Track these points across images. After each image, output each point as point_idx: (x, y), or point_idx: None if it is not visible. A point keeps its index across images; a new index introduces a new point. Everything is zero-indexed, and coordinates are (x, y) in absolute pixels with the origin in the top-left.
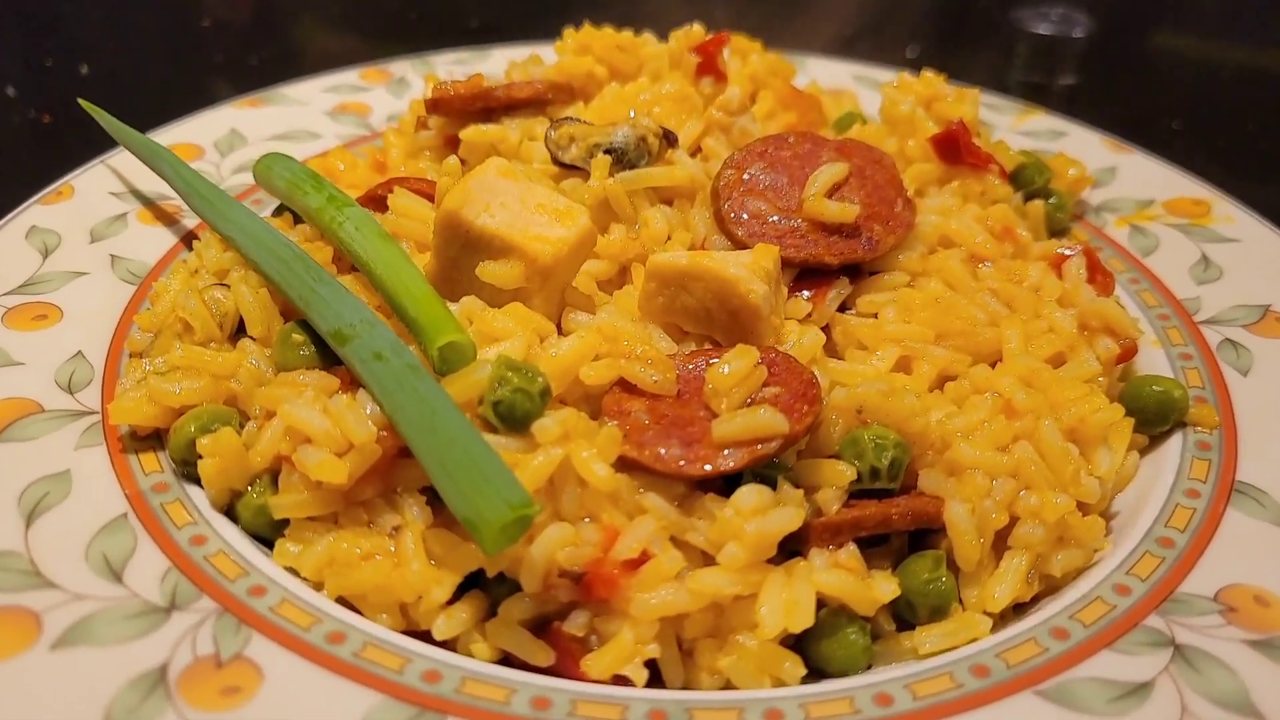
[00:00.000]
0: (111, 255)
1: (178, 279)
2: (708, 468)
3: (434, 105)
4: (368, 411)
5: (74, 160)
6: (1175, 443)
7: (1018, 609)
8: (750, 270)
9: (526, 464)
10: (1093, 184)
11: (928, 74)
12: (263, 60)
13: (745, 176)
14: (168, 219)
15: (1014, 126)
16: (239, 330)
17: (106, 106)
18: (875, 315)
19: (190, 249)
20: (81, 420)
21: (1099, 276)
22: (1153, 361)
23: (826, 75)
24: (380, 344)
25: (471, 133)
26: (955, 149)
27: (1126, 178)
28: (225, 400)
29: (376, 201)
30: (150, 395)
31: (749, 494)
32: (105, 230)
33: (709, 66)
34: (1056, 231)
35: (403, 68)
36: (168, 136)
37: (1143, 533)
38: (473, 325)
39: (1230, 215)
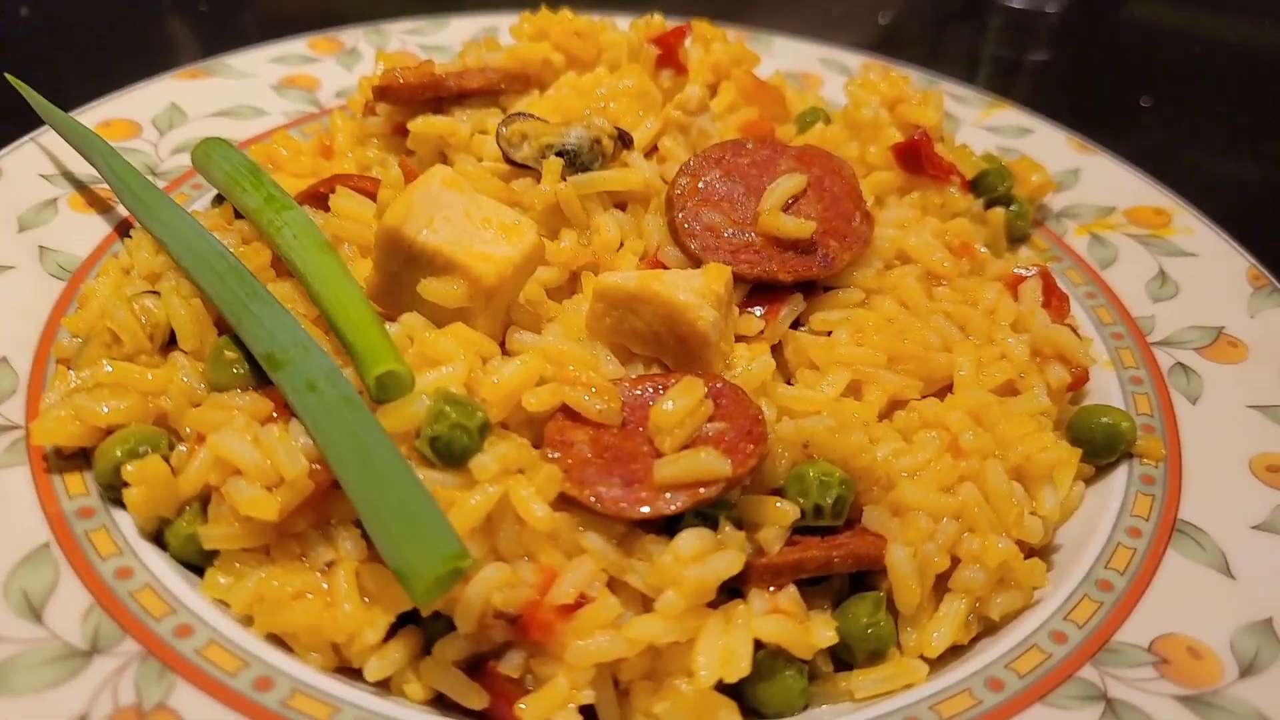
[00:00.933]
0: (40, 247)
1: (107, 281)
2: (646, 510)
3: (382, 93)
4: (300, 444)
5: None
6: (1121, 475)
7: (955, 649)
8: (700, 295)
9: (463, 502)
10: (1055, 189)
11: (893, 73)
12: (213, 6)
13: (700, 185)
14: (101, 205)
15: (979, 121)
16: (171, 340)
17: (47, 52)
18: (828, 334)
19: (124, 240)
20: (4, 436)
21: (1054, 300)
22: (1104, 385)
23: (792, 58)
24: (314, 372)
25: (420, 124)
26: (917, 159)
27: (1089, 182)
28: (155, 418)
29: (318, 199)
30: (76, 414)
31: (689, 539)
32: (34, 218)
33: (669, 58)
34: (1017, 239)
35: (354, 36)
36: (105, 111)
37: (1082, 574)
38: (413, 345)
39: (1190, 226)
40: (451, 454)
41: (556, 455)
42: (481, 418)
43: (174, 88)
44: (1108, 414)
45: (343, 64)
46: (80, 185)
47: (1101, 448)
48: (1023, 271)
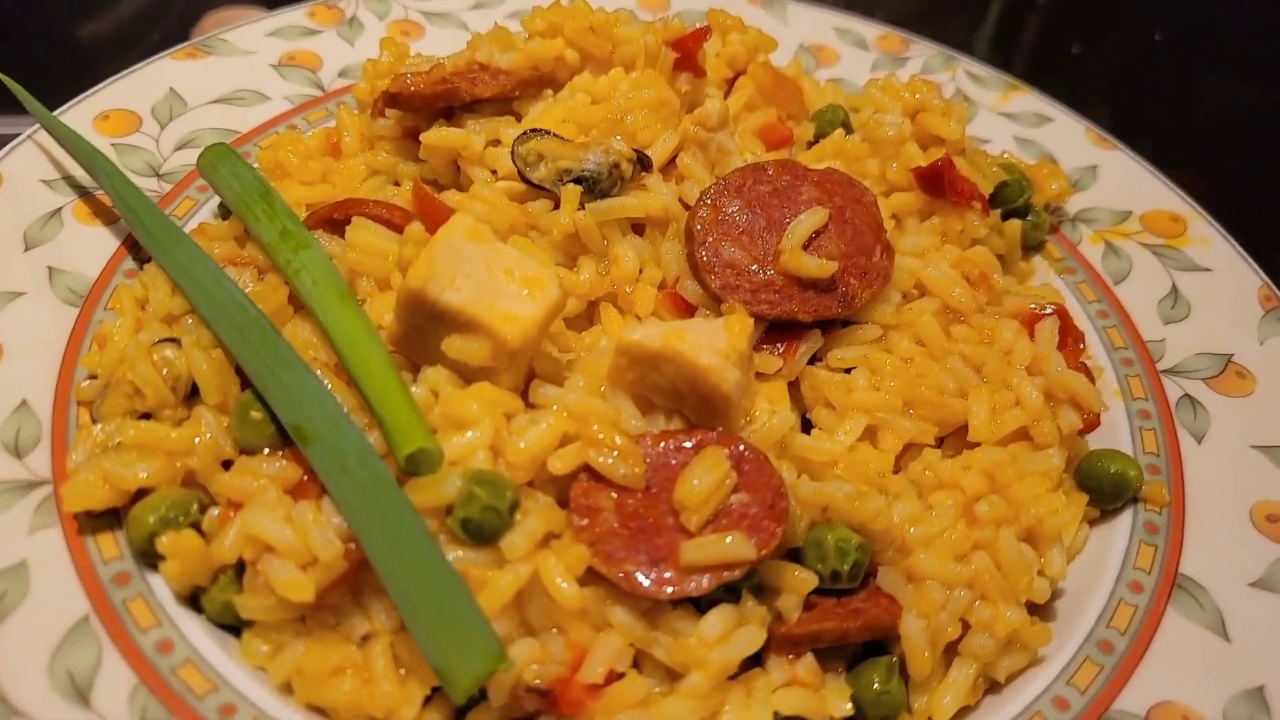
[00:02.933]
0: (49, 268)
1: (125, 324)
2: (671, 590)
3: (392, 100)
4: (334, 522)
5: None
6: (1125, 522)
7: (962, 709)
8: (724, 356)
9: (495, 582)
10: (1072, 194)
11: (916, 79)
12: None
13: (721, 217)
14: (107, 214)
15: (997, 105)
16: (195, 389)
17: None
18: (846, 370)
19: (134, 258)
20: (33, 494)
21: (1070, 340)
22: (1112, 418)
23: (808, 27)
24: (345, 450)
25: (433, 136)
26: (940, 184)
27: (1107, 181)
28: (184, 477)
29: (333, 225)
30: (104, 478)
31: (714, 622)
32: (40, 234)
33: (688, 62)
34: (1031, 246)
35: (353, 4)
36: (102, 100)
37: (1085, 632)
38: (438, 405)
39: (1205, 237)
40: (483, 535)
41: (584, 523)
42: (511, 497)
43: (171, 70)
44: (1116, 462)
45: (344, 36)
46: (84, 191)
47: (1109, 495)
48: (1039, 308)
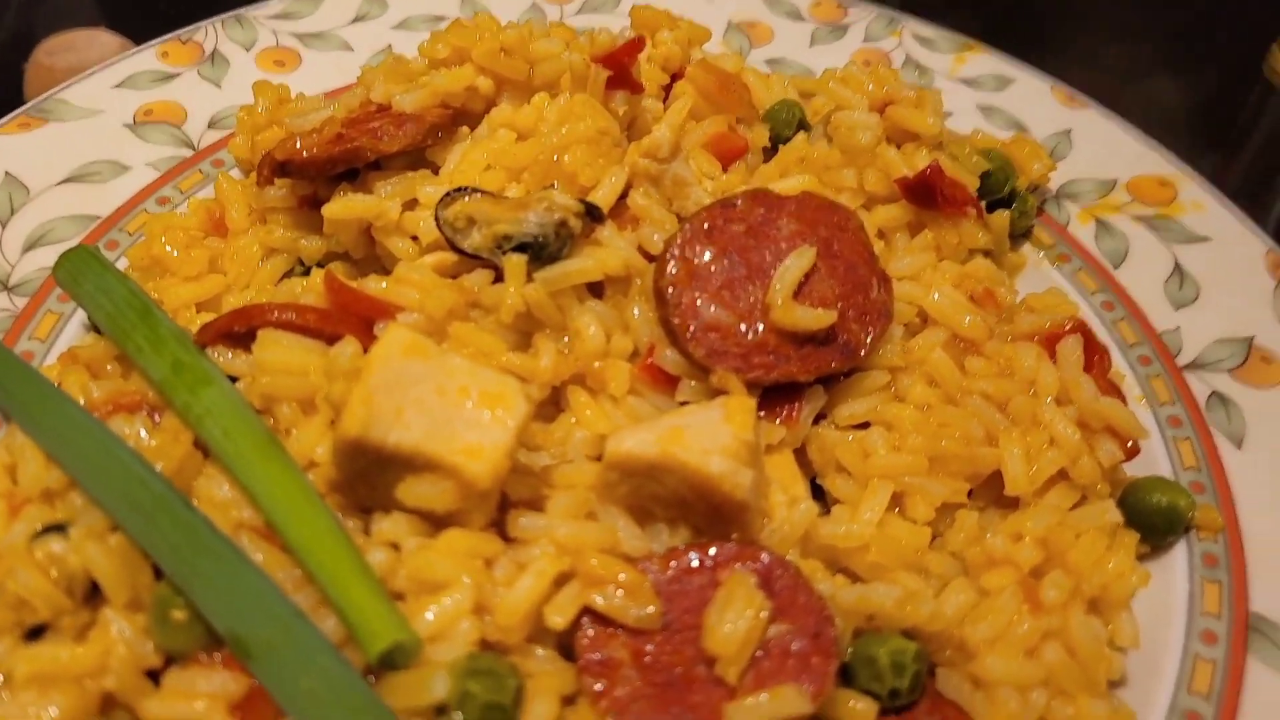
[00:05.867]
0: None
1: None
2: None
3: (282, 169)
4: None
5: None
6: (1180, 555)
7: None
8: (733, 457)
9: None
10: (1054, 169)
11: (879, 69)
12: None
13: (692, 270)
14: None
15: (953, 72)
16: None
17: None
18: (855, 428)
19: None
20: None
21: (1095, 357)
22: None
23: (735, 2)
24: (304, 662)
25: (338, 208)
26: (930, 194)
27: (1084, 147)
28: (102, 703)
29: (233, 339)
30: None
31: None
32: None
33: (622, 79)
34: (1019, 235)
35: (212, 35)
36: None
37: (1167, 705)
38: (403, 568)
39: (1198, 201)
40: None
41: (600, 687)
42: (514, 685)
43: (2, 149)
44: (1163, 491)
45: (208, 77)
46: None
47: (1161, 531)
48: (1055, 325)
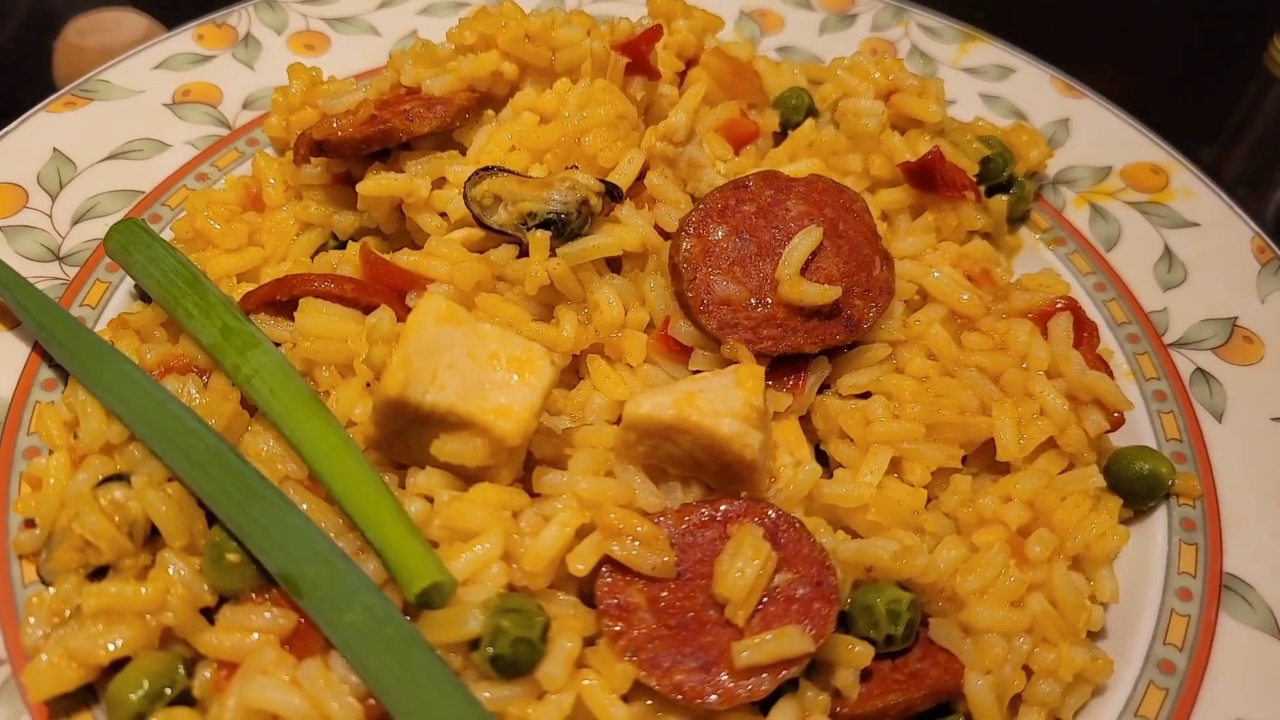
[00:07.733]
0: None
1: (58, 459)
2: (736, 696)
3: (318, 149)
4: (349, 680)
5: None
6: (1159, 519)
7: None
8: (743, 420)
9: (538, 719)
10: (1052, 156)
11: (885, 59)
12: None
13: (706, 247)
14: (6, 315)
15: (956, 60)
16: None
17: None
18: (857, 397)
19: (49, 363)
20: None
21: (1084, 333)
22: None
23: None
24: (346, 596)
25: (371, 185)
26: (931, 178)
27: (1081, 135)
28: (161, 636)
29: (275, 307)
30: (72, 656)
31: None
32: None
33: (640, 65)
34: (1017, 218)
35: (245, 19)
36: None
37: (1143, 654)
38: (437, 519)
39: (1189, 188)
40: (517, 669)
41: (618, 628)
42: (542, 622)
43: (50, 126)
44: (1145, 459)
45: (242, 59)
46: None
47: (1142, 496)
48: (1046, 302)
